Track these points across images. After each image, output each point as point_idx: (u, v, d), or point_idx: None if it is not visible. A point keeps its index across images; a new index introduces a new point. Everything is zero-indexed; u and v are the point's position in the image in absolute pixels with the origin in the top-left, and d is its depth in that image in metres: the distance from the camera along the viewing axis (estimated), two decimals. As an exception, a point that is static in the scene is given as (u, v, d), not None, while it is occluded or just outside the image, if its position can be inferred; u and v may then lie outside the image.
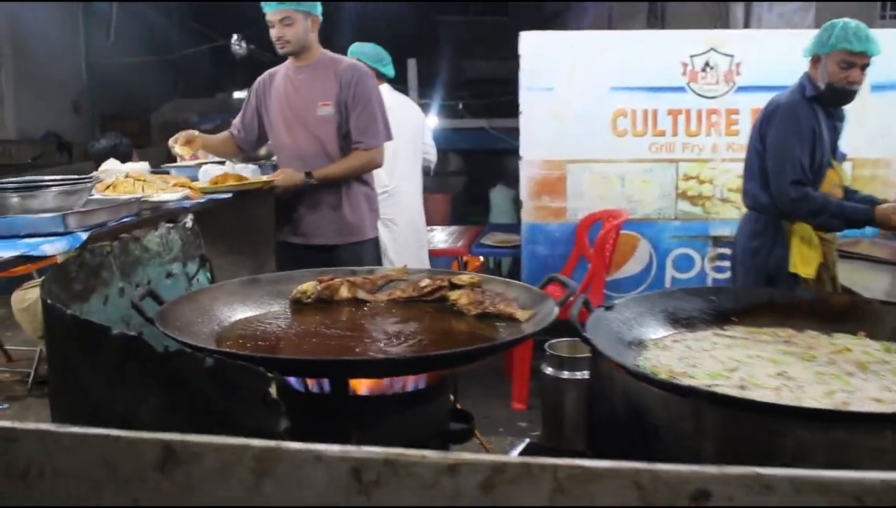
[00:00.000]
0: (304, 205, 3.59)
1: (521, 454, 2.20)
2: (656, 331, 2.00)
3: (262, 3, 3.46)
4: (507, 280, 2.22)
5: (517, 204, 4.91)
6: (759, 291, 2.31)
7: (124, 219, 2.12)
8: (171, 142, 3.55)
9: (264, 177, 3.51)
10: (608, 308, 2.00)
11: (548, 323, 1.74)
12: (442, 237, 5.71)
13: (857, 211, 3.30)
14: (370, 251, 3.69)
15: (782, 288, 3.35)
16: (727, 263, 4.79)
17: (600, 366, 1.76)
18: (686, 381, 1.66)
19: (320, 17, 3.56)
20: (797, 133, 3.32)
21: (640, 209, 4.80)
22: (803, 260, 3.36)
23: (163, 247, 2.29)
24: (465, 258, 5.50)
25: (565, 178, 4.82)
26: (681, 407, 1.47)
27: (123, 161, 3.75)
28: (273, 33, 3.48)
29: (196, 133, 3.64)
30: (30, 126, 12.89)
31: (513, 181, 6.50)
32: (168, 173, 3.58)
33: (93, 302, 2.01)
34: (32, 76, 12.66)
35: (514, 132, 5.05)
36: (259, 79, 3.76)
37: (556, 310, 1.81)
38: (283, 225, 3.66)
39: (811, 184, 3.32)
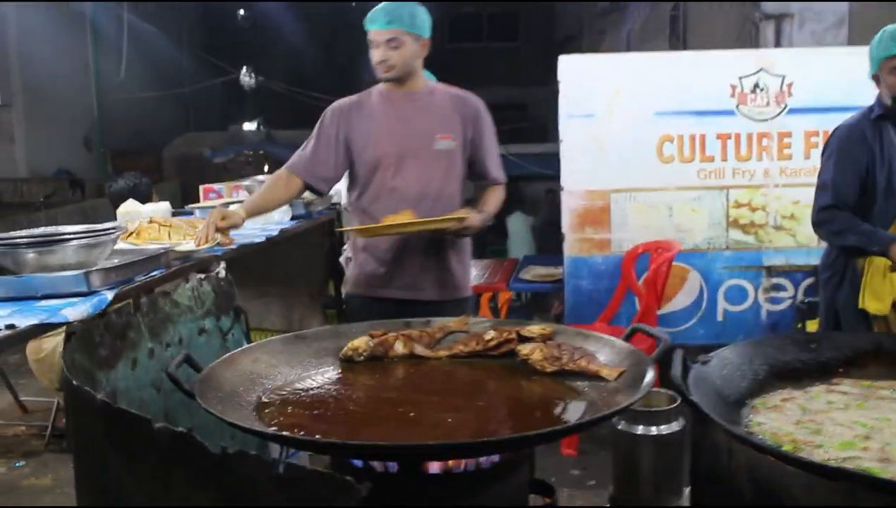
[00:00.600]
0: (406, 254, 3.06)
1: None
2: (761, 388, 1.78)
3: (367, 22, 3.02)
4: (583, 330, 2.00)
5: (535, 232, 4.69)
6: (863, 337, 2.08)
7: (153, 274, 1.93)
8: (207, 235, 2.59)
9: (457, 214, 2.93)
10: (704, 362, 1.78)
11: (648, 388, 1.52)
12: (474, 272, 5.50)
13: (881, 235, 3.11)
14: (470, 309, 3.27)
15: (850, 326, 3.18)
16: (783, 294, 4.57)
17: (710, 432, 1.53)
18: (815, 453, 1.44)
19: (429, 41, 3.11)
20: (842, 156, 3.20)
21: (689, 239, 4.59)
22: (874, 295, 3.13)
23: (195, 302, 2.10)
24: (500, 294, 5.29)
25: (609, 208, 4.62)
26: (829, 493, 1.24)
27: (143, 201, 3.57)
28: (375, 55, 3.01)
29: (230, 209, 2.80)
30: (41, 163, 12.84)
31: (530, 208, 6.30)
32: (192, 215, 3.40)
33: (120, 368, 1.82)
34: (43, 113, 12.64)
35: (533, 158, 4.86)
36: (334, 108, 3.14)
37: (653, 373, 1.59)
38: (366, 275, 3.12)
39: (850, 209, 3.17)
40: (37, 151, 12.69)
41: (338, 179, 3.23)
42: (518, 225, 9.02)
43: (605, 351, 1.86)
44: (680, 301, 4.61)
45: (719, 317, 4.62)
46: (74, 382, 1.26)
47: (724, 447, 1.42)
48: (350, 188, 3.19)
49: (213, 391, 1.60)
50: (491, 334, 2.03)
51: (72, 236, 1.84)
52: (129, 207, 3.45)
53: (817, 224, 3.26)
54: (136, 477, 1.09)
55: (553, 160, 5.11)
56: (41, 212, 9.74)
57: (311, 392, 1.75)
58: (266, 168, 12.89)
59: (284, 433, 1.35)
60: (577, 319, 4.69)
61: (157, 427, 1.04)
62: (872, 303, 3.11)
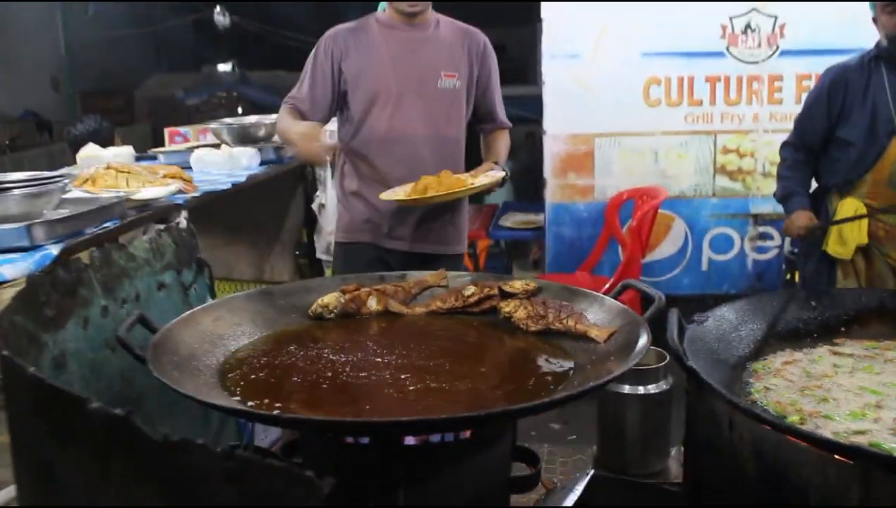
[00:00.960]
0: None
1: (588, 489, 1.87)
2: (761, 350, 1.67)
3: None
4: (569, 286, 1.87)
5: (515, 177, 4.55)
6: (866, 294, 1.97)
7: (106, 225, 1.77)
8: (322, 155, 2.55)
9: (490, 181, 2.64)
10: (700, 322, 1.67)
11: (642, 353, 1.39)
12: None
13: (794, 201, 3.20)
14: (462, 266, 3.03)
15: (812, 271, 3.19)
16: (770, 243, 4.48)
17: (709, 401, 1.42)
18: (825, 426, 1.33)
19: None
20: (818, 98, 3.19)
21: (674, 185, 4.47)
22: (839, 239, 3.07)
23: (153, 254, 1.94)
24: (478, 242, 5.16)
25: (593, 154, 4.48)
26: (841, 470, 1.14)
27: (104, 145, 3.38)
28: None
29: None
30: (7, 105, 12.44)
31: (511, 152, 6.11)
32: (156, 159, 3.22)
33: (70, 328, 1.66)
34: (8, 52, 12.19)
35: (512, 101, 4.71)
36: (327, 37, 2.78)
37: (646, 336, 1.47)
38: (360, 223, 2.80)
39: (810, 152, 3.24)
40: (2, 92, 12.28)
41: (329, 118, 2.87)
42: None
43: (593, 309, 1.73)
44: (664, 249, 4.51)
45: (704, 267, 4.53)
46: (5, 352, 1.12)
47: (725, 417, 1.31)
48: (341, 128, 2.84)
49: (169, 355, 1.46)
50: (471, 289, 1.90)
51: (12, 185, 1.67)
52: (90, 152, 3.27)
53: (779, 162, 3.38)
54: (71, 464, 0.95)
55: (534, 103, 4.94)
56: (6, 156, 9.45)
57: (278, 355, 1.61)
58: (240, 109, 12.57)
59: (243, 407, 1.22)
60: (558, 268, 4.58)
61: (92, 408, 0.91)
62: (835, 247, 3.05)
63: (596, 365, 1.49)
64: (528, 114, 5.78)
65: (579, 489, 1.87)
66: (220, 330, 1.67)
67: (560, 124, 4.48)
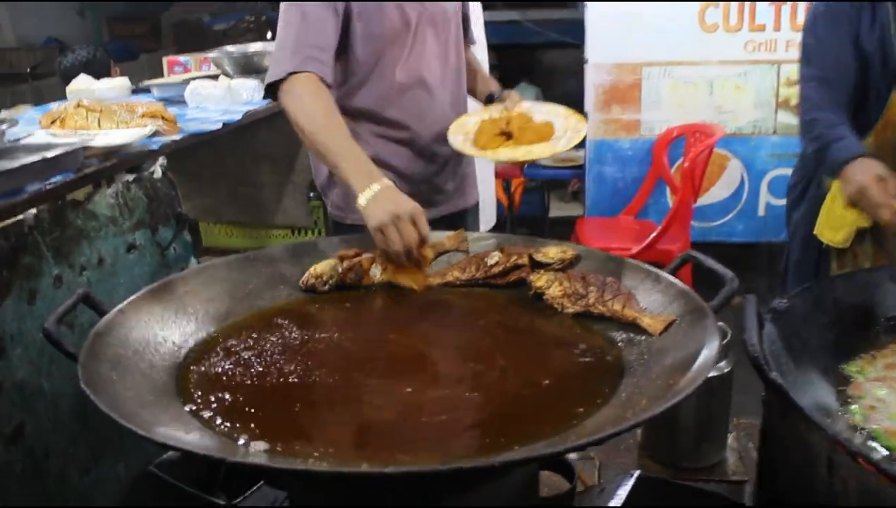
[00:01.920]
0: (424, 157, 2.20)
1: (634, 491, 1.59)
2: (856, 346, 1.34)
3: None
4: (616, 257, 1.55)
5: None
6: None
7: (56, 179, 1.49)
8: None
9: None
10: (779, 313, 1.34)
11: (709, 367, 1.07)
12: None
13: (842, 149, 2.14)
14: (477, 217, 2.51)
15: (798, 255, 2.49)
16: (836, 186, 4.07)
17: (799, 427, 1.10)
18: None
19: None
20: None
21: (731, 122, 4.06)
22: (831, 222, 2.39)
23: (120, 211, 1.66)
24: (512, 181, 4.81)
25: (640, 85, 4.08)
26: None
27: (99, 77, 3.08)
28: None
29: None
30: (30, 31, 12.17)
31: (538, 77, 5.63)
32: (149, 93, 2.92)
33: (9, 305, 1.40)
34: (33, -23, 11.88)
35: (551, 25, 4.26)
36: None
37: (714, 339, 1.14)
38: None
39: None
40: (25, 18, 12.00)
41: None
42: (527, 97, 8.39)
43: (645, 288, 1.42)
44: (716, 193, 4.13)
45: (761, 212, 4.15)
46: None
47: (823, 455, 1.00)
48: (338, 84, 2.15)
49: (114, 347, 1.18)
50: (496, 257, 1.59)
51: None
52: (80, 84, 2.98)
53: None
54: None
55: (574, 28, 4.53)
56: (27, 84, 9.21)
57: (259, 343, 1.33)
58: (269, 34, 12.17)
59: (194, 441, 0.93)
60: (598, 211, 4.24)
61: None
62: (827, 232, 2.38)
63: (648, 372, 1.17)
64: (567, 40, 5.35)
65: (622, 493, 1.58)
66: (188, 309, 1.39)
67: (604, 52, 4.07)
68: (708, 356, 1.09)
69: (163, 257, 1.76)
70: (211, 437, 0.99)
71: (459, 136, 2.04)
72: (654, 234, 3.53)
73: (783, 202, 4.19)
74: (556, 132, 2.03)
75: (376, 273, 1.59)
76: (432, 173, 2.17)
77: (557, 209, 5.39)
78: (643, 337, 1.29)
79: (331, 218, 2.23)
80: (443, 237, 1.71)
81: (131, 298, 1.32)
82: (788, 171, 4.12)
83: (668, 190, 4.14)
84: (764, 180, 4.14)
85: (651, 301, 1.38)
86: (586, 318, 1.39)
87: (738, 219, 4.19)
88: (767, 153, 4.10)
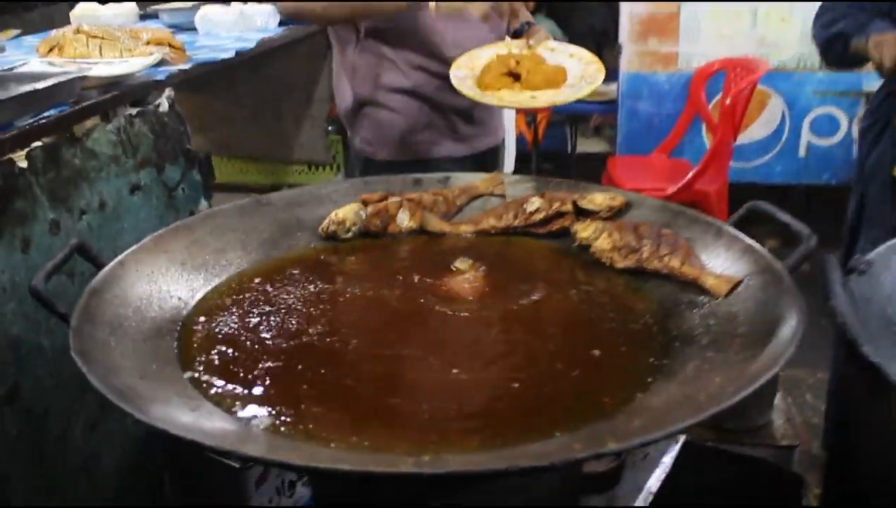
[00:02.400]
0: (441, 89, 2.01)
1: (680, 457, 1.48)
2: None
3: None
4: (672, 205, 1.40)
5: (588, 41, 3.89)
6: None
7: (51, 113, 1.34)
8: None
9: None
10: (862, 272, 1.19)
11: (792, 345, 0.92)
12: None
13: (850, 36, 2.03)
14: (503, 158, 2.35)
15: (877, 201, 2.22)
16: (883, 126, 3.85)
17: (885, 403, 0.97)
18: None
19: None
20: None
21: (774, 56, 3.83)
22: None
23: (123, 148, 1.52)
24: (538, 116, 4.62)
25: (678, 15, 3.84)
26: None
27: (105, 2, 2.90)
28: None
29: None
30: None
31: (555, 9, 5.29)
32: (157, 19, 2.74)
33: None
34: None
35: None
36: None
37: (796, 311, 0.99)
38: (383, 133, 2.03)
39: None
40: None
41: None
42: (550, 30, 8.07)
43: (705, 242, 1.27)
44: (756, 131, 3.92)
45: (801, 152, 3.95)
46: None
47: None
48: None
49: (112, 307, 1.06)
50: (536, 204, 1.45)
51: None
52: (85, 9, 2.80)
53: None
54: None
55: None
56: (35, 12, 8.98)
57: (272, 300, 1.19)
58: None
59: (204, 429, 0.80)
60: (631, 148, 4.05)
61: None
62: None
63: (717, 343, 1.03)
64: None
65: (668, 460, 1.46)
66: (196, 260, 1.26)
67: (640, -20, 3.84)
68: (793, 328, 0.94)
69: (170, 198, 1.62)
70: (215, 418, 0.86)
71: (462, 72, 1.85)
72: (691, 174, 3.35)
73: (826, 142, 4.03)
74: (569, 79, 1.84)
75: (404, 219, 1.45)
76: (469, 105, 2.01)
77: (580, 144, 5.18)
78: (706, 300, 1.14)
79: (357, 154, 2.09)
80: (476, 180, 1.56)
81: (132, 249, 1.19)
82: (833, 110, 3.95)
83: (704, 127, 3.94)
84: (806, 119, 3.93)
85: (712, 257, 1.23)
86: (639, 276, 1.25)
87: (776, 160, 4.00)
88: (812, 90, 3.88)
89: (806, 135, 3.95)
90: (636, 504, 1.35)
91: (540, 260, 1.35)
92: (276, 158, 3.29)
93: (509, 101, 1.79)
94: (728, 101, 3.35)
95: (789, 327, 0.95)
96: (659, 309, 1.16)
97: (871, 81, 3.86)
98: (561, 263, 1.33)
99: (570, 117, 4.95)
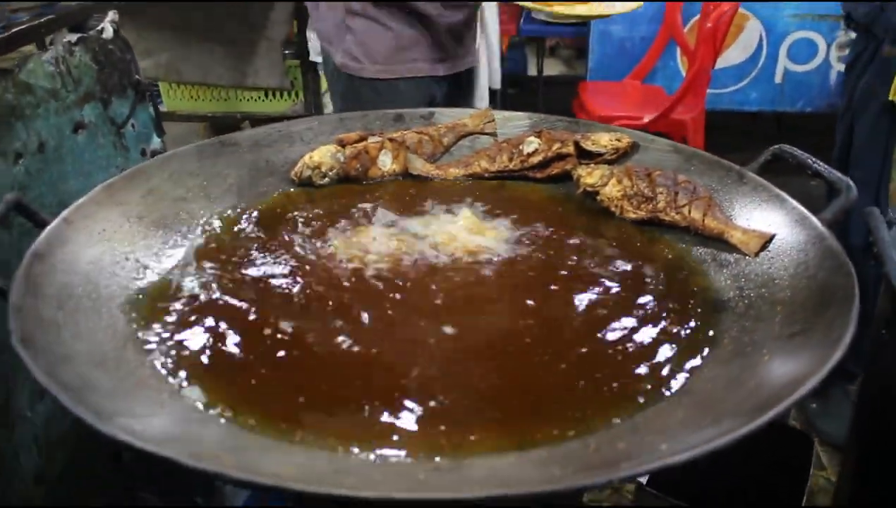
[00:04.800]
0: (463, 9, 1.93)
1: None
2: None
3: None
4: (685, 147, 1.28)
5: None
6: None
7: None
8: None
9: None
10: (891, 224, 1.10)
11: (853, 325, 0.81)
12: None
13: None
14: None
15: (866, 132, 2.13)
16: (861, 52, 3.75)
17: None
18: None
19: None
20: None
21: (752, -25, 3.68)
22: None
23: (62, 81, 1.34)
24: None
25: (654, -71, 3.66)
26: None
27: None
28: None
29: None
30: None
31: None
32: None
33: (-81, 205, 1.10)
34: None
35: None
36: None
37: (851, 278, 0.88)
38: (422, 43, 1.89)
39: None
40: None
41: None
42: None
43: (725, 190, 1.16)
44: (732, 56, 3.78)
45: (778, 79, 3.83)
46: None
47: None
48: None
49: (59, 274, 0.91)
50: (533, 144, 1.32)
51: None
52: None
53: None
54: None
55: None
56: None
57: (242, 260, 1.05)
58: None
59: (150, 449, 0.65)
60: (603, 74, 3.90)
61: None
62: None
63: (754, 310, 0.92)
64: None
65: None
66: (153, 214, 1.11)
67: None
68: (849, 298, 0.83)
69: (119, 136, 1.45)
70: (192, 421, 0.73)
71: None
72: (669, 103, 3.22)
73: (802, 68, 3.92)
74: None
75: (386, 162, 1.31)
76: (460, 23, 1.89)
77: (536, 67, 5.00)
78: (733, 258, 1.04)
79: (337, 71, 1.93)
80: (464, 117, 1.42)
81: (79, 202, 1.03)
82: (810, 35, 3.83)
83: (678, 52, 3.80)
84: (784, 44, 3.80)
85: (734, 208, 1.12)
86: (653, 228, 1.14)
87: (752, 86, 3.88)
88: (790, 13, 3.74)
89: (783, 61, 3.83)
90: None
91: (538, 209, 1.22)
92: (229, 84, 3.08)
93: (562, 12, 1.79)
94: (710, 25, 3.20)
95: (844, 297, 0.84)
96: (681, 268, 1.04)
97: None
98: (563, 212, 1.21)
99: (531, 39, 4.76)
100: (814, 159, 1.09)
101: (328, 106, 3.09)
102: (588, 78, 3.94)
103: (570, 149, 1.29)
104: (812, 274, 0.92)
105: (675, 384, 0.82)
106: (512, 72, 4.96)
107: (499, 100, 4.45)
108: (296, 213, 1.17)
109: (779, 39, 3.80)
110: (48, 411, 1.37)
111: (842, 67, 3.80)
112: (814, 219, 1.00)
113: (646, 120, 3.21)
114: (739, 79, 3.87)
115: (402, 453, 0.71)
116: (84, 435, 1.45)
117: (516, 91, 5.13)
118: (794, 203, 1.05)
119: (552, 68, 5.10)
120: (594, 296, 0.98)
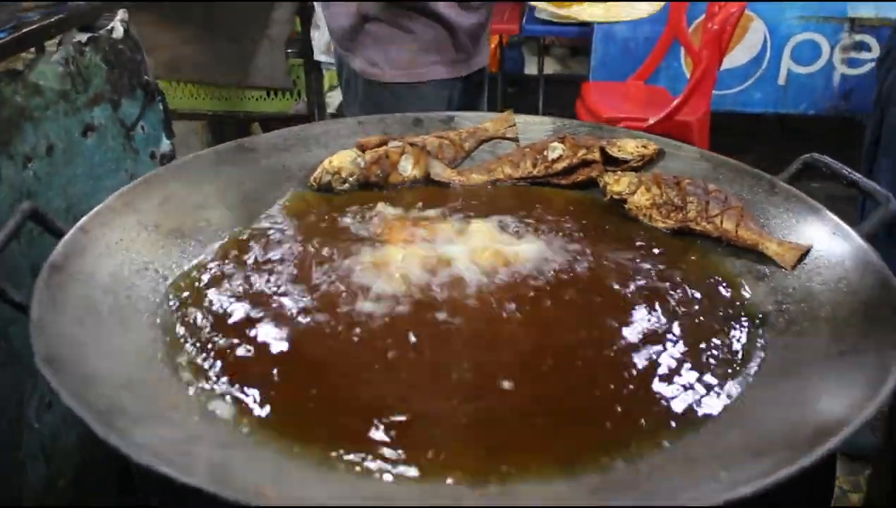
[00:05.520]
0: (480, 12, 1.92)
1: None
2: None
3: None
4: (714, 155, 1.26)
5: None
6: None
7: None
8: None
9: None
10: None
11: None
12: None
13: None
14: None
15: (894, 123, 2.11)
16: (865, 55, 3.75)
17: None
18: None
19: None
20: None
21: (757, -24, 3.65)
22: None
23: (72, 82, 1.31)
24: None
25: (659, -71, 3.63)
26: None
27: None
28: None
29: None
30: None
31: None
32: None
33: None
34: None
35: None
36: None
37: None
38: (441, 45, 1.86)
39: None
40: None
41: None
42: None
43: (755, 200, 1.13)
44: (736, 57, 3.76)
45: (781, 80, 3.81)
46: None
47: None
48: None
49: (78, 286, 0.87)
50: (558, 150, 1.29)
51: None
52: None
53: None
54: None
55: None
56: None
57: (266, 272, 1.02)
58: None
59: (213, 488, 0.62)
60: (605, 74, 3.88)
61: None
62: None
63: (796, 327, 0.90)
64: None
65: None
66: (170, 221, 1.07)
67: None
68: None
69: (129, 139, 1.42)
70: (220, 445, 0.70)
71: None
72: (674, 103, 3.20)
73: (806, 70, 3.91)
74: None
75: (407, 167, 1.28)
76: (477, 26, 1.88)
77: (533, 66, 4.98)
78: (768, 270, 1.01)
79: (354, 76, 1.92)
80: (485, 121, 1.39)
81: (95, 210, 1.00)
82: (814, 37, 3.82)
83: (682, 53, 3.77)
84: (788, 45, 3.78)
85: (766, 219, 1.10)
86: (683, 238, 1.11)
87: (756, 87, 3.86)
88: (795, 15, 3.72)
89: (787, 62, 3.81)
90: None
91: (564, 217, 1.19)
92: (231, 83, 3.04)
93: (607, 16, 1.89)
94: (716, 26, 3.18)
95: (892, 314, 0.82)
96: (716, 281, 1.02)
97: (857, 7, 3.74)
98: (590, 220, 1.18)
99: (529, 38, 4.74)
100: (849, 170, 1.07)
101: (332, 105, 3.07)
102: (590, 78, 3.91)
103: (596, 155, 1.26)
104: (853, 290, 0.90)
105: (722, 404, 0.79)
106: (510, 71, 4.95)
107: (498, 99, 4.45)
108: (318, 222, 1.14)
109: (783, 41, 3.78)
110: (55, 421, 1.34)
111: (846, 70, 3.80)
112: (851, 231, 0.98)
113: (651, 121, 3.18)
114: (743, 80, 3.85)
115: (451, 480, 0.68)
116: (91, 445, 1.42)
117: (515, 90, 5.11)
118: (830, 214, 1.03)
119: (548, 67, 5.08)
120: (631, 313, 0.95)
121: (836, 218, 1.02)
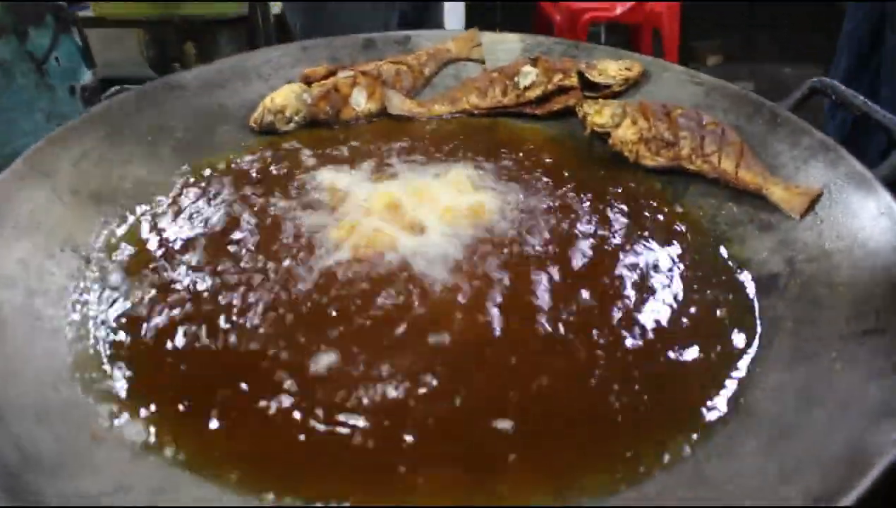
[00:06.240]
0: None
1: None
2: None
3: None
4: (700, 75, 1.12)
5: None
6: None
7: None
8: None
9: None
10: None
11: None
12: None
13: None
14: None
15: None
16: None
17: None
18: None
19: None
20: None
21: None
22: None
23: (-36, 13, 1.12)
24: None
25: None
26: None
27: None
28: None
29: None
30: None
31: None
32: None
33: None
34: None
35: None
36: None
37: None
38: None
39: None
40: None
41: None
42: None
43: (754, 133, 1.01)
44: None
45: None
46: None
47: None
48: None
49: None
50: (531, 75, 1.15)
51: None
52: None
53: None
54: None
55: None
56: None
57: (206, 250, 0.88)
58: None
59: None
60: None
61: None
62: None
63: (812, 293, 0.79)
64: None
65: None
66: (90, 185, 0.92)
67: None
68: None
69: (41, 74, 1.25)
70: (158, 490, 0.58)
71: None
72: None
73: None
74: None
75: (360, 101, 1.14)
76: None
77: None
78: (774, 219, 0.90)
79: None
80: (447, 40, 1.24)
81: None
82: None
83: None
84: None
85: (768, 157, 0.98)
86: (674, 178, 0.99)
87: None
88: None
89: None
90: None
91: (538, 156, 1.06)
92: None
93: None
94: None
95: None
96: (714, 232, 0.91)
97: None
98: (567, 159, 1.05)
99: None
100: (864, 99, 0.95)
101: (275, 7, 2.83)
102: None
103: (573, 80, 1.13)
104: (873, 250, 0.79)
105: (732, 400, 0.69)
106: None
107: None
108: (260, 175, 1.00)
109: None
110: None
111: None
112: (868, 173, 0.87)
113: (618, 11, 3.01)
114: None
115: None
116: None
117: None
118: (844, 151, 0.91)
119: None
120: (613, 283, 0.83)
121: (849, 156, 0.90)
